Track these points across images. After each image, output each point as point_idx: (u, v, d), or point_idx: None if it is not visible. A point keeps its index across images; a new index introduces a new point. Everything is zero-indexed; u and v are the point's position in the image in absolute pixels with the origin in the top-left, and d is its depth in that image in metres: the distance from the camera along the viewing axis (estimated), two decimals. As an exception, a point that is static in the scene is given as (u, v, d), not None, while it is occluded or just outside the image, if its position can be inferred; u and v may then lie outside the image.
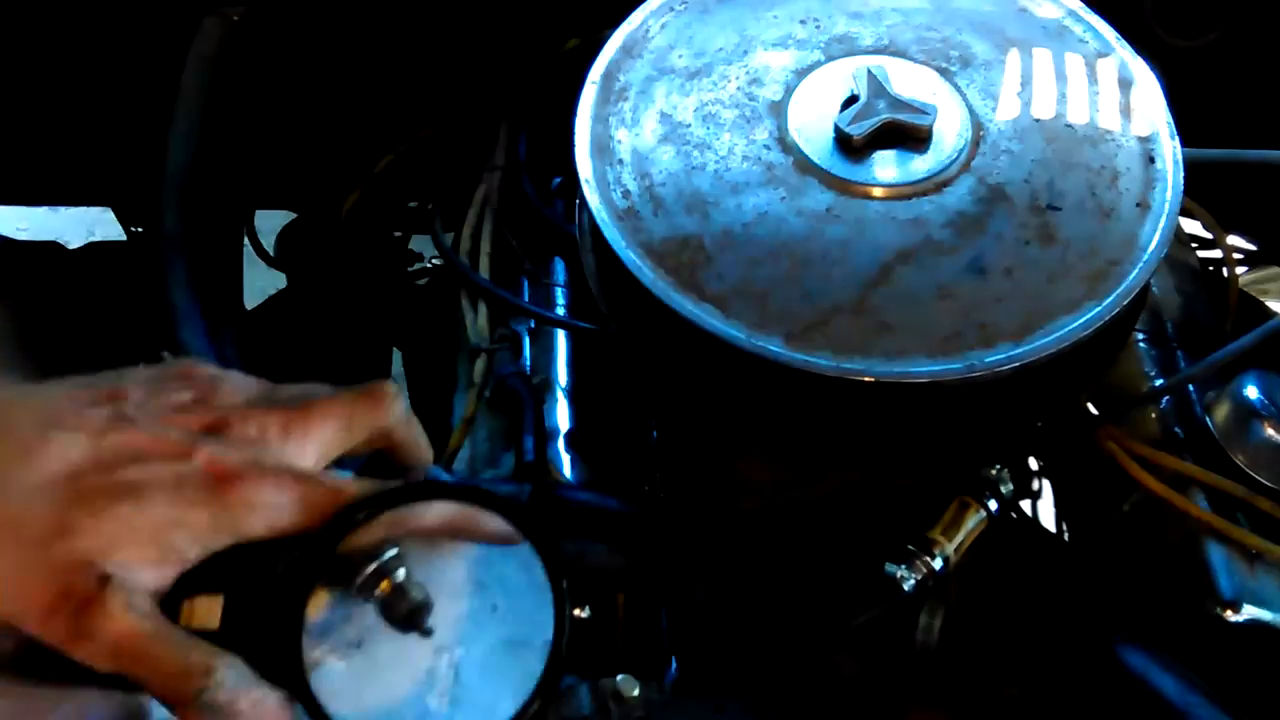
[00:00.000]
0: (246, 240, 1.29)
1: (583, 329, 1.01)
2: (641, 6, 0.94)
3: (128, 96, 1.18)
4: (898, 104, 0.85)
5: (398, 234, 1.35)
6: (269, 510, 0.53)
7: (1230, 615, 0.80)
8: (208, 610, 0.53)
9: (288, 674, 0.53)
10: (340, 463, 0.58)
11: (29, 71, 1.18)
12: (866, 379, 0.76)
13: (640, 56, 0.91)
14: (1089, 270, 0.80)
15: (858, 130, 0.84)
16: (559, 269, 1.07)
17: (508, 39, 1.17)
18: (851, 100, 0.86)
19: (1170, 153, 0.86)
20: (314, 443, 0.56)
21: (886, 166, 0.84)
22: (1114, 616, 0.81)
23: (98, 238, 1.41)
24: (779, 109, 0.87)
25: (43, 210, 1.93)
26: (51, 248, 1.28)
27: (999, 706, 0.84)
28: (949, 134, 0.86)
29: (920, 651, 0.81)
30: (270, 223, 1.35)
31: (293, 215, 1.39)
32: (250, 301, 1.27)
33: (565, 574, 0.56)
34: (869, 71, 0.87)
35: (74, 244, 1.31)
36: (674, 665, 0.91)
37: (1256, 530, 0.84)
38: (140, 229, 1.34)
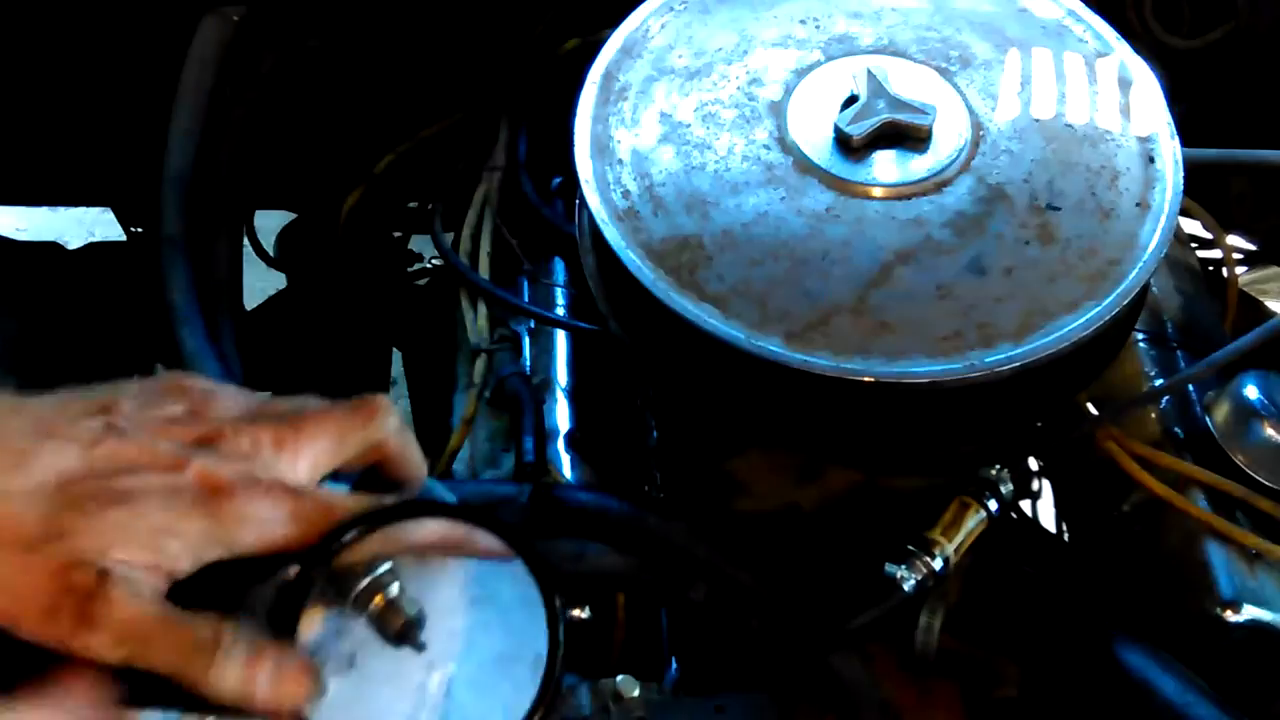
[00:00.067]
0: (246, 240, 1.29)
1: (583, 329, 1.01)
2: (641, 6, 0.94)
3: (128, 96, 1.18)
4: (897, 104, 0.85)
5: (398, 234, 1.35)
6: (261, 524, 0.52)
7: (1230, 615, 0.80)
8: None
9: None
10: (335, 476, 0.57)
11: (29, 71, 1.18)
12: (866, 379, 0.76)
13: (640, 56, 0.91)
14: (1089, 270, 0.80)
15: (857, 130, 0.84)
16: (559, 269, 1.07)
17: (508, 39, 1.17)
18: (851, 100, 0.86)
19: (1170, 153, 0.86)
20: (307, 456, 0.55)
21: (886, 166, 0.84)
22: (1114, 616, 0.81)
23: (98, 238, 1.42)
24: (779, 109, 0.87)
25: (43, 210, 1.93)
26: (51, 248, 1.28)
27: (999, 706, 0.84)
28: (949, 134, 0.86)
29: (920, 651, 0.81)
30: (270, 223, 1.35)
31: (293, 215, 1.39)
32: (250, 301, 1.26)
33: (558, 590, 0.56)
34: (869, 71, 0.87)
35: (74, 244, 1.31)
36: (674, 665, 0.91)
37: (1256, 530, 0.84)
38: (140, 229, 1.35)
